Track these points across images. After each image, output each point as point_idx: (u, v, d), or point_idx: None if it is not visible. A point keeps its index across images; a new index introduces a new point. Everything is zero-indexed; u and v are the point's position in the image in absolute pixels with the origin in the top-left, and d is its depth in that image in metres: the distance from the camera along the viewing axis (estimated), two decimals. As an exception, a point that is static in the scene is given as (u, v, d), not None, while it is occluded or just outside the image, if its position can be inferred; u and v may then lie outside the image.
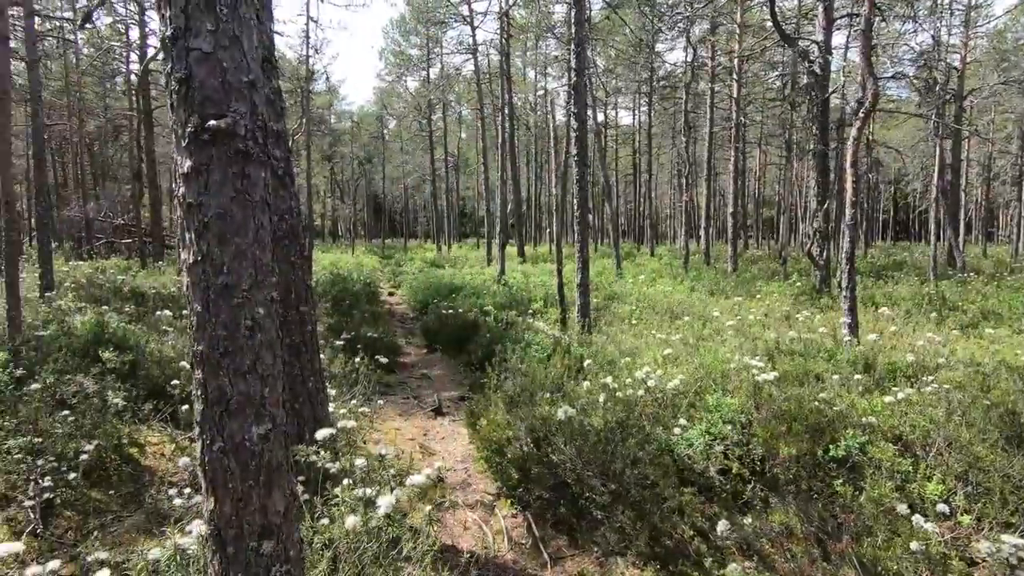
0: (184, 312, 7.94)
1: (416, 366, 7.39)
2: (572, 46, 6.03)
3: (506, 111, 18.59)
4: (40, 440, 3.73)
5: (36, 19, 12.51)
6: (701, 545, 3.05)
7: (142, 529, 3.29)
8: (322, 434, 2.47)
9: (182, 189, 1.22)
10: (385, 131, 37.94)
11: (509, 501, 3.78)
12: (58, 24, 20.14)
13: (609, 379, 4.34)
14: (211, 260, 1.20)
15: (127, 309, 8.22)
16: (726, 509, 3.28)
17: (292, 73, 18.60)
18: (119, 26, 18.45)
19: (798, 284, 10.63)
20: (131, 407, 4.51)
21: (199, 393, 1.26)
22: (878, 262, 18.01)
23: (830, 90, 11.40)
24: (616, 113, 35.73)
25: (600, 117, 26.85)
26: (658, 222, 46.12)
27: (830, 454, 3.38)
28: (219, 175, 1.20)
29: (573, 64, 5.90)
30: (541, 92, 27.95)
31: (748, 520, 3.14)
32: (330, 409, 4.02)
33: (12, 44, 16.11)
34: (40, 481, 3.38)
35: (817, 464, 3.41)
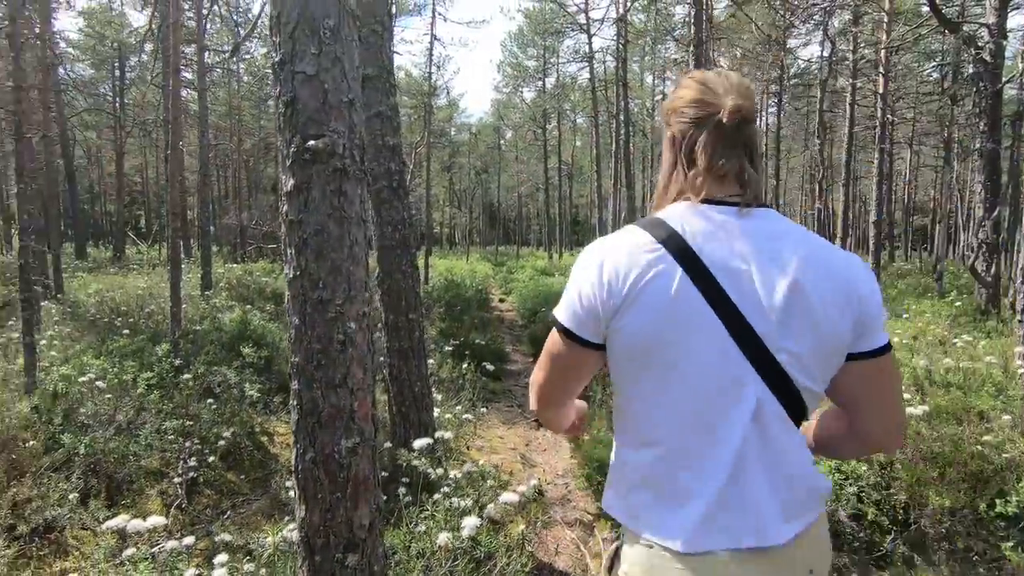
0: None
1: (522, 374, 7.42)
2: (691, 47, 5.75)
3: (621, 117, 18.23)
4: (191, 423, 4.22)
5: (206, 53, 14.36)
6: (826, 599, 2.70)
7: (265, 513, 3.59)
8: (419, 444, 2.52)
9: (285, 207, 1.28)
10: (502, 142, 38.99)
11: (609, 523, 3.62)
12: (223, 57, 23.07)
13: (723, 402, 4.03)
14: (308, 275, 1.25)
15: (268, 308, 9.13)
16: (858, 561, 2.88)
17: (416, 89, 19.74)
18: (272, 55, 20.75)
19: (957, 304, 9.24)
20: (264, 399, 4.97)
21: (295, 403, 1.32)
22: (1066, 279, 15.17)
23: (1003, 80, 9.84)
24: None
25: (722, 120, 25.34)
26: (786, 231, 42.71)
27: (996, 510, 2.85)
28: (318, 193, 1.25)
29: (692, 64, 5.62)
30: (659, 97, 27.14)
31: (886, 577, 2.73)
32: (435, 414, 4.12)
33: (188, 75, 18.57)
34: (187, 461, 3.81)
35: (979, 520, 2.89)
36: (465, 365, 5.28)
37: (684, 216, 0.93)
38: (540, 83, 25.85)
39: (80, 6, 23.36)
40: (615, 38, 18.21)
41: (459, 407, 4.64)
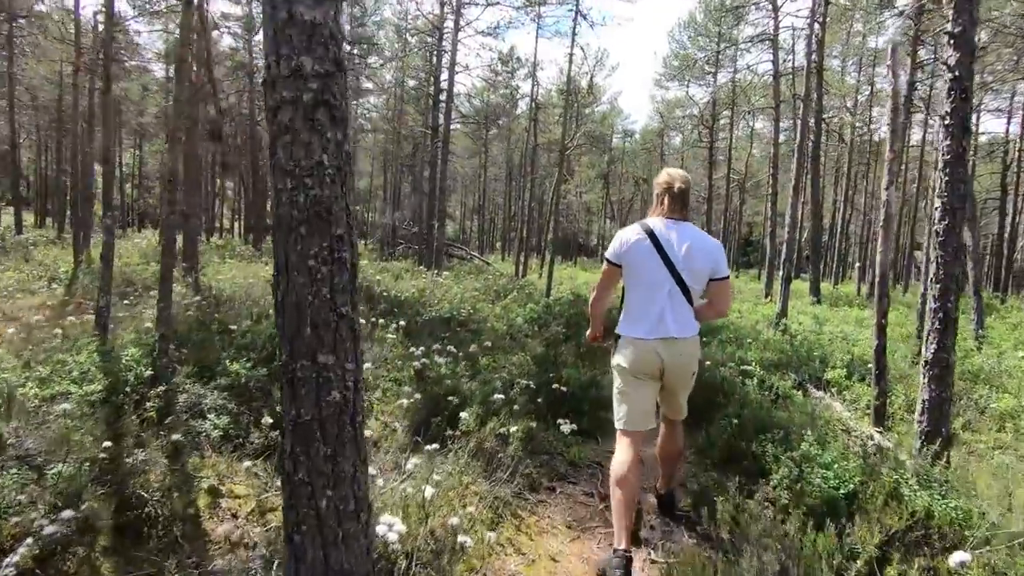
0: (394, 323, 7.30)
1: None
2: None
3: (811, 118, 14.79)
4: (88, 466, 2.94)
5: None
6: None
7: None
8: None
9: None
10: (665, 148, 35.93)
11: None
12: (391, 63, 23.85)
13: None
14: None
15: (360, 309, 8.11)
16: None
17: (570, 87, 18.18)
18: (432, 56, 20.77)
19: None
20: (237, 436, 3.62)
21: None
22: None
23: None
24: (977, 116, 26.78)
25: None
26: (1037, 265, 33.59)
27: None
28: None
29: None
30: (866, 94, 22.36)
31: None
32: (387, 524, 2.35)
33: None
34: (41, 530, 2.48)
35: None
36: (514, 428, 3.38)
37: (655, 222, 2.84)
38: (711, 78, 22.66)
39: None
40: (809, 17, 14.84)
41: (471, 509, 2.77)
